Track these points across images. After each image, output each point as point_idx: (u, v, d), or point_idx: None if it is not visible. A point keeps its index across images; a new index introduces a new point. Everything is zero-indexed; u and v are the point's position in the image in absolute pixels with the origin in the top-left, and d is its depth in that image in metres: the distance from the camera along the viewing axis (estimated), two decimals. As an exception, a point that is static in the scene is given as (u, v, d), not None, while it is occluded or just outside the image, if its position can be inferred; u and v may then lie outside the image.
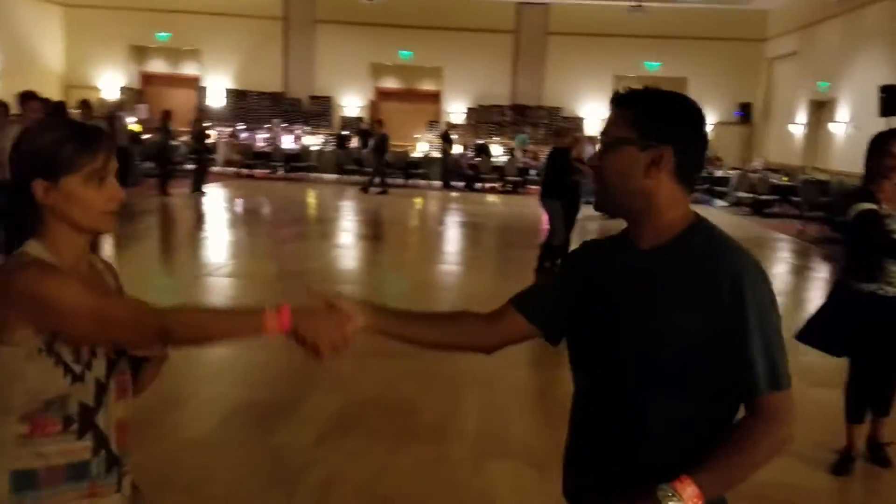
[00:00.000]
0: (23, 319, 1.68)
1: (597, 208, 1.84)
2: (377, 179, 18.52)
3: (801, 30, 19.66)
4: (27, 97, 8.73)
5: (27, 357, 1.70)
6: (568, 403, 1.89)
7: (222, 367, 5.86)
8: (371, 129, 20.33)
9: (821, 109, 18.59)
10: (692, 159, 1.71)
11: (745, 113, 22.66)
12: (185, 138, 18.24)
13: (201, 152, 17.01)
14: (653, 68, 22.97)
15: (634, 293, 1.71)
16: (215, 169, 21.24)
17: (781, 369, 1.63)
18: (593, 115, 22.69)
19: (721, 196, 19.60)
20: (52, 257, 1.75)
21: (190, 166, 17.19)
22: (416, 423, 4.94)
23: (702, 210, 8.48)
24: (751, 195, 18.28)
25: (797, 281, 11.19)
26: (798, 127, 19.71)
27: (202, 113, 17.35)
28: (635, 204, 1.71)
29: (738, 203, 18.79)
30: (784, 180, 17.96)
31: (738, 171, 19.91)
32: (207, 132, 18.22)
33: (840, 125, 17.06)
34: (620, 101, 1.75)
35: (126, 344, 1.81)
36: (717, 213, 18.26)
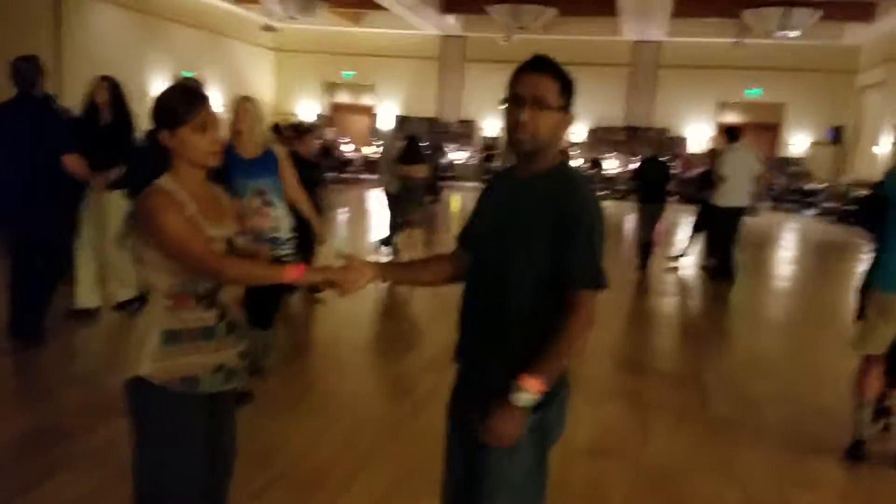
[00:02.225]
0: (145, 230, 2.04)
1: (512, 145, 2.01)
2: None
3: (889, 62, 18.32)
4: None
5: (165, 254, 2.03)
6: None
7: (356, 312, 6.28)
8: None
9: (905, 132, 17.28)
10: (573, 119, 1.99)
11: (836, 134, 21.29)
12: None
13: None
14: (754, 95, 22.01)
15: (510, 206, 1.97)
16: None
17: (601, 274, 1.87)
18: (696, 134, 22.00)
19: (810, 206, 18.60)
20: (176, 186, 2.07)
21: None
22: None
23: (791, 218, 8.45)
24: (837, 205, 17.30)
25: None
26: (883, 147, 18.39)
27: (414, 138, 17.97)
28: (543, 149, 1.93)
29: (826, 212, 17.81)
30: (866, 192, 16.84)
31: (827, 185, 18.83)
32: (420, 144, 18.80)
33: (922, 145, 15.82)
34: (547, 68, 1.94)
35: (191, 271, 2.06)
36: (806, 221, 17.40)
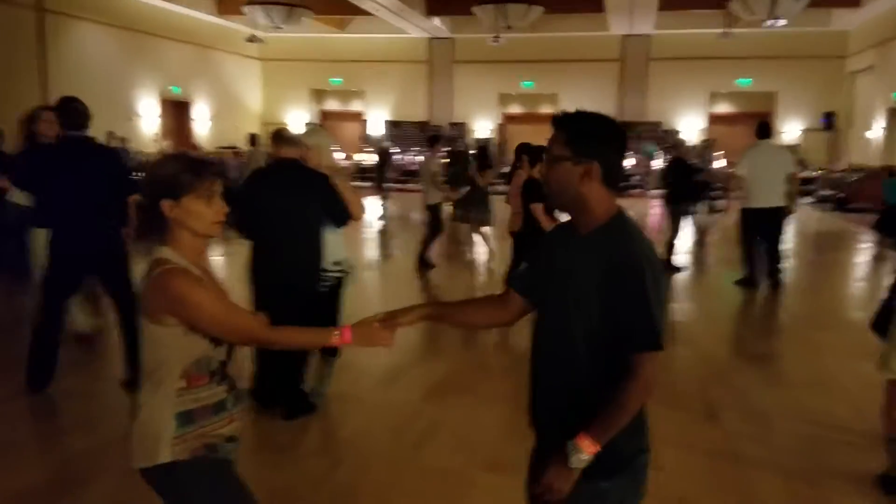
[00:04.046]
0: (169, 311, 1.94)
1: (549, 207, 1.99)
2: None
3: (877, 46, 18.28)
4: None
5: (184, 333, 1.95)
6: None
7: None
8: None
9: (897, 116, 17.24)
10: (616, 168, 1.85)
11: (828, 121, 21.23)
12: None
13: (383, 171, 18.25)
14: (744, 84, 21.96)
15: (568, 264, 1.87)
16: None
17: (659, 335, 1.75)
18: (691, 127, 21.93)
19: (808, 194, 18.52)
20: (180, 259, 1.98)
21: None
22: (503, 385, 5.03)
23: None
24: (834, 192, 17.22)
25: (871, 267, 10.53)
26: (876, 132, 18.33)
27: (377, 141, 18.05)
28: (574, 203, 1.85)
29: (822, 200, 17.74)
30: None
31: (823, 172, 18.76)
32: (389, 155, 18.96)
33: (916, 128, 15.76)
34: (557, 123, 1.87)
35: (233, 342, 2.05)
36: (803, 210, 17.31)
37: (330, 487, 3.62)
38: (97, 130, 5.49)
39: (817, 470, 3.80)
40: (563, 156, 1.83)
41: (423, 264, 9.28)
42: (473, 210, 9.49)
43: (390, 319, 2.12)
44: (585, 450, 1.77)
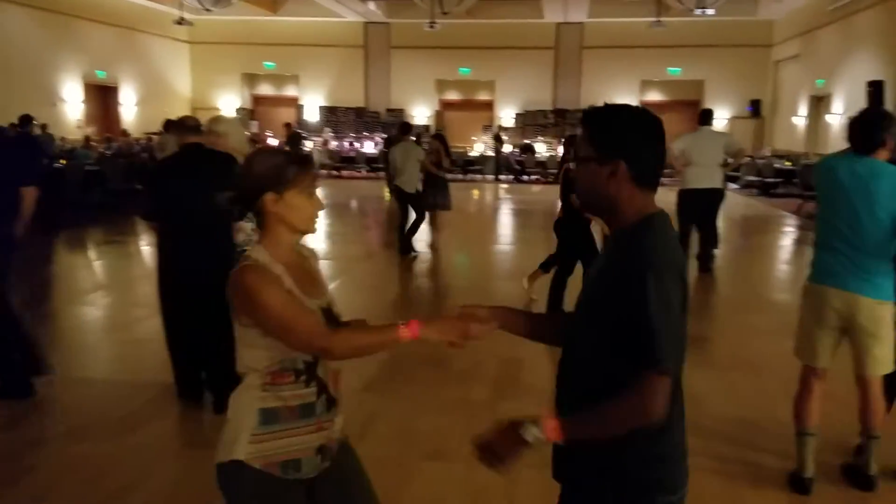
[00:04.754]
0: (241, 309, 1.86)
1: (581, 208, 1.82)
2: None
3: (801, 35, 18.94)
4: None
5: (262, 333, 1.86)
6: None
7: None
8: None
9: (819, 103, 17.91)
10: (647, 166, 1.63)
11: (755, 108, 21.94)
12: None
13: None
14: (674, 73, 22.46)
15: (595, 269, 1.74)
16: (311, 171, 21.68)
17: (661, 354, 1.52)
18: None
19: (734, 180, 19.07)
20: (269, 258, 1.89)
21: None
22: (447, 373, 5.03)
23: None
24: (759, 178, 17.80)
25: (795, 250, 10.92)
26: (800, 119, 19.03)
27: (290, 125, 17.47)
28: (602, 205, 1.67)
29: (748, 185, 18.31)
30: (787, 165, 17.40)
31: (748, 158, 19.34)
32: (302, 139, 18.19)
33: (835, 116, 16.40)
34: (582, 119, 1.71)
35: (296, 350, 1.88)
36: (730, 195, 17.81)
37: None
38: (15, 116, 5.20)
39: (748, 455, 3.90)
40: (588, 155, 1.65)
41: (406, 250, 9.30)
42: (439, 195, 9.61)
43: (470, 313, 1.93)
44: (545, 429, 1.61)
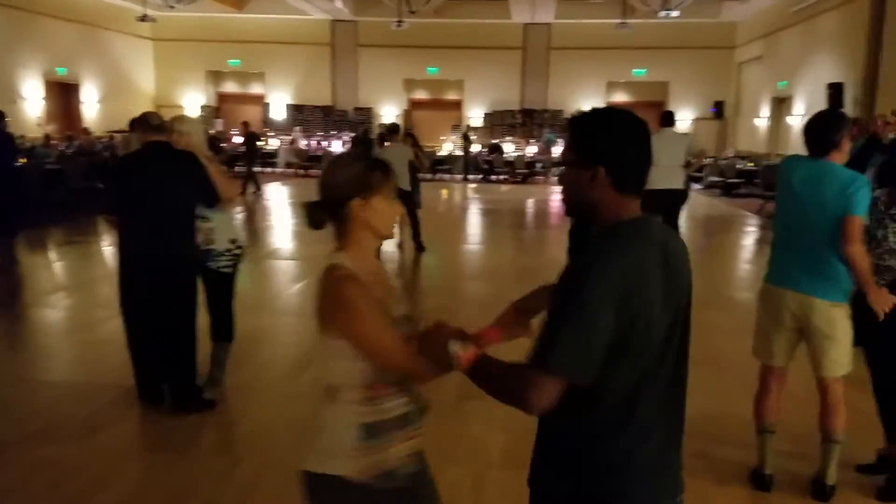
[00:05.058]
0: (332, 320, 1.81)
1: (565, 212, 1.81)
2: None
3: (764, 37, 19.29)
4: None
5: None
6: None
7: (262, 333, 6.01)
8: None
9: (781, 105, 18.26)
10: (627, 171, 1.60)
11: (718, 109, 22.30)
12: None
13: (252, 157, 16.61)
14: (639, 74, 22.73)
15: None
16: (278, 170, 21.54)
17: (551, 356, 1.48)
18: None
19: (697, 180, 19.37)
20: (355, 264, 1.87)
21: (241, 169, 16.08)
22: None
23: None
24: (721, 179, 18.09)
25: (756, 249, 11.12)
26: (762, 120, 19.39)
27: (248, 124, 17.15)
28: (583, 209, 1.67)
29: (711, 186, 18.61)
30: (749, 165, 17.73)
31: (711, 159, 19.66)
32: (259, 138, 17.60)
33: (796, 118, 16.75)
34: (568, 125, 1.72)
35: (375, 362, 1.83)
36: (694, 196, 18.10)
37: (231, 486, 3.52)
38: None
39: (710, 450, 3.98)
40: (570, 160, 1.66)
41: (420, 248, 9.66)
42: (417, 194, 9.90)
43: (524, 308, 1.95)
44: (463, 354, 1.63)
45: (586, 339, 1.47)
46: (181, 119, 4.52)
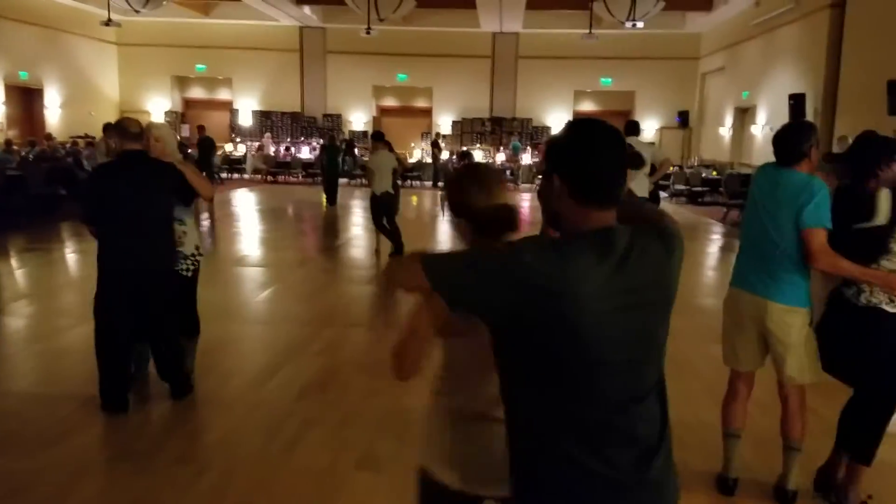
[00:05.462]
0: None
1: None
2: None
3: (727, 49, 19.65)
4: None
5: None
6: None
7: (228, 342, 5.95)
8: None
9: (744, 115, 18.62)
10: (585, 181, 1.54)
11: (683, 119, 22.64)
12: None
13: (206, 163, 15.94)
14: (606, 84, 22.99)
15: None
16: (245, 177, 21.36)
17: (435, 256, 1.56)
18: (559, 123, 22.69)
19: (663, 189, 19.61)
20: None
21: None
22: (382, 381, 5.01)
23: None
24: (687, 187, 18.35)
25: (720, 256, 11.29)
26: (726, 129, 19.73)
27: (203, 128, 16.90)
28: (552, 218, 1.66)
29: (676, 194, 18.86)
30: (713, 174, 18.02)
31: (677, 168, 19.95)
32: (213, 143, 16.76)
33: (759, 127, 17.08)
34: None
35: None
36: (662, 205, 18.32)
37: (195, 494, 3.46)
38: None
39: (674, 454, 3.99)
40: (542, 171, 1.75)
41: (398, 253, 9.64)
42: (397, 201, 10.02)
43: None
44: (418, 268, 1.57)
45: (462, 268, 1.51)
46: (156, 126, 4.65)
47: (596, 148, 1.55)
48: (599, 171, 1.54)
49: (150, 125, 4.58)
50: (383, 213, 9.81)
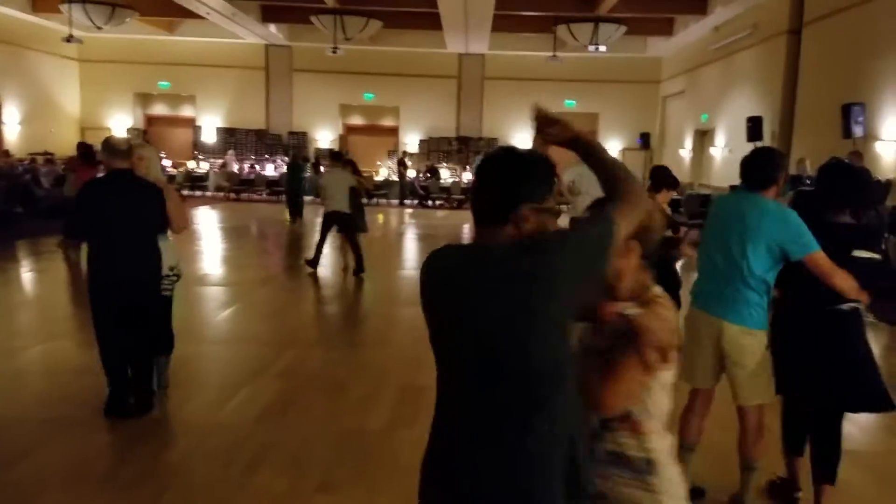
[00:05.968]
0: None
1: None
2: None
3: (687, 73, 20.08)
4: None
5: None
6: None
7: (188, 362, 5.87)
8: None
9: (703, 137, 18.99)
10: (474, 204, 1.76)
11: (644, 141, 23.05)
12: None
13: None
14: (570, 105, 23.29)
15: None
16: (208, 194, 21.15)
17: None
18: (526, 143, 22.82)
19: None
20: None
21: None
22: (344, 402, 5.00)
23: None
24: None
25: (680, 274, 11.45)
26: (686, 151, 20.11)
27: (84, 144, 16.35)
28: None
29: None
30: (673, 195, 18.32)
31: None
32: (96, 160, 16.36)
33: (718, 149, 17.44)
34: None
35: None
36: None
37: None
38: None
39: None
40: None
41: (359, 272, 9.63)
42: (361, 219, 10.03)
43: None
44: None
45: None
46: (141, 145, 4.89)
47: (482, 175, 1.72)
48: (482, 196, 1.73)
49: (137, 145, 4.74)
50: (330, 230, 9.74)
